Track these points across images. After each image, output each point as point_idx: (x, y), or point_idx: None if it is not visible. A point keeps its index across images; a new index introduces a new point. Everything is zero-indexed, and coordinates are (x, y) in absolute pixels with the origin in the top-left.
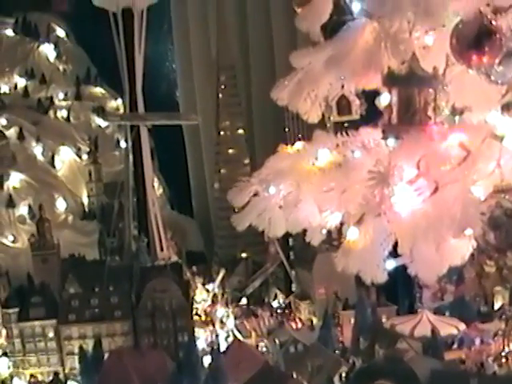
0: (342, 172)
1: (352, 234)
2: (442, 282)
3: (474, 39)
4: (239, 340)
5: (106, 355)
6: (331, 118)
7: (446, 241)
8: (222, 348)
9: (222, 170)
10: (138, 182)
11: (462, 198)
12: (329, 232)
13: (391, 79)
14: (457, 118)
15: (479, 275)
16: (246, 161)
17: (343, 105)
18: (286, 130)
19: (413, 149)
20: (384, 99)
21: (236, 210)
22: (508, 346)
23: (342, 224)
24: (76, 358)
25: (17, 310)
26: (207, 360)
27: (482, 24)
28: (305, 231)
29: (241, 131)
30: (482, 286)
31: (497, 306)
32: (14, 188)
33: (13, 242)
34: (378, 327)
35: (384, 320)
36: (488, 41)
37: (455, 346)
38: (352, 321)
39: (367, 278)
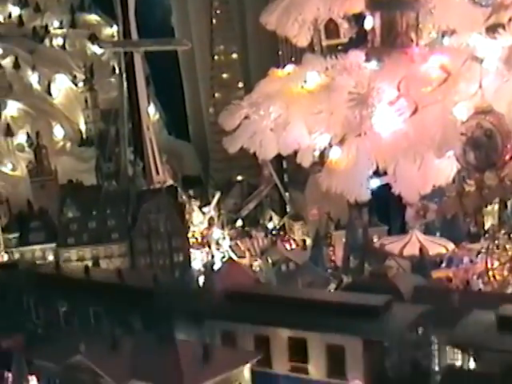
0: (329, 93)
1: (335, 154)
2: (425, 201)
3: None
4: (233, 259)
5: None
6: (321, 42)
7: (427, 160)
8: (217, 267)
9: (217, 95)
10: (132, 107)
11: (442, 119)
12: (321, 154)
13: (374, 3)
14: (445, 40)
15: (460, 194)
16: (240, 85)
17: (331, 28)
18: (280, 53)
19: (393, 70)
20: (368, 23)
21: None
22: (492, 264)
23: (332, 146)
24: None
25: (17, 235)
26: (202, 280)
27: None
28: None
29: (235, 55)
30: (463, 204)
31: (487, 226)
32: (12, 117)
33: (12, 170)
34: (368, 246)
35: (375, 240)
36: None
37: (443, 265)
38: (343, 240)
39: (351, 196)
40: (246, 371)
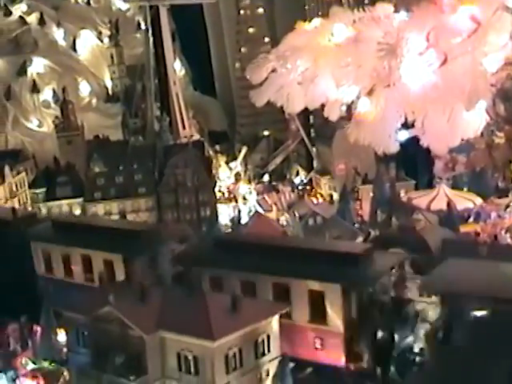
0: (356, 46)
1: (363, 105)
2: (454, 154)
3: None
4: (260, 213)
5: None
6: None
7: (456, 113)
8: (244, 221)
9: (243, 49)
10: (158, 62)
11: (472, 70)
12: (348, 108)
13: None
14: None
15: (489, 147)
16: (267, 39)
17: None
18: (306, 7)
19: (422, 21)
20: None
21: None
22: None
23: (359, 99)
24: None
25: (44, 190)
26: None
27: None
28: (324, 108)
29: (261, 10)
30: (492, 157)
31: None
32: (38, 74)
33: (38, 126)
34: (395, 201)
35: (402, 194)
36: None
37: (471, 219)
38: (371, 195)
39: (379, 148)
40: (275, 323)
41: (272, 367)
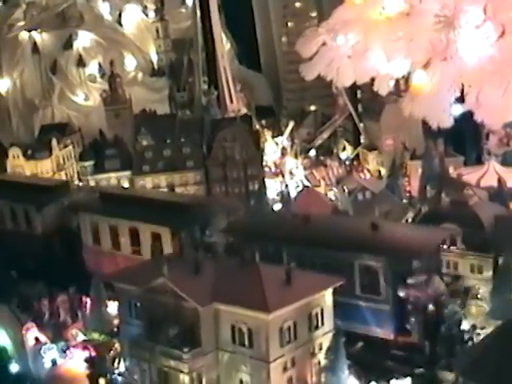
0: (409, 19)
1: (418, 79)
2: (508, 128)
3: None
4: (309, 188)
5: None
6: None
7: (510, 88)
8: (292, 196)
9: (290, 24)
10: (206, 37)
11: None
12: (397, 83)
13: None
14: None
15: None
16: (314, 13)
17: None
18: None
19: None
20: None
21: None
22: None
23: (410, 74)
24: None
25: (92, 162)
26: (277, 208)
27: None
28: (373, 84)
29: None
30: None
31: None
32: (84, 48)
33: (84, 100)
34: (444, 176)
35: (451, 170)
36: None
37: None
38: (419, 171)
39: (433, 122)
40: (328, 296)
41: (325, 341)
